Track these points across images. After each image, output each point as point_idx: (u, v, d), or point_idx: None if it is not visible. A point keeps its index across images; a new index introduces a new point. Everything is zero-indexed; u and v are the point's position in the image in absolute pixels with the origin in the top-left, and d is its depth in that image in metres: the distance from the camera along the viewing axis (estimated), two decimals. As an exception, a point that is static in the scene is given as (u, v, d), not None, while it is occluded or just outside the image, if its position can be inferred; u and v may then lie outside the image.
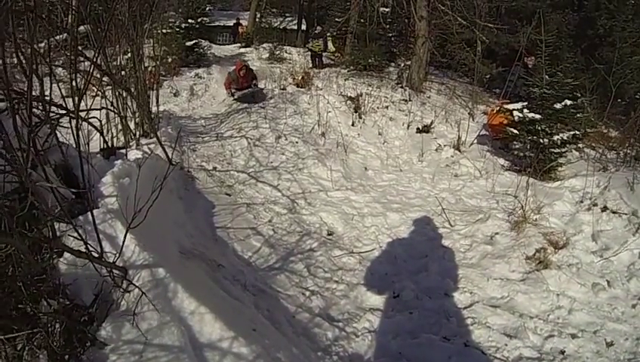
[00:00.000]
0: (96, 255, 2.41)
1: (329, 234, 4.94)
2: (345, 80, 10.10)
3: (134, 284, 2.45)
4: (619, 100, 9.51)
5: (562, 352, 3.29)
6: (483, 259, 4.43)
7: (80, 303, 2.35)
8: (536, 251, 4.38)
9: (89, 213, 2.59)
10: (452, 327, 3.48)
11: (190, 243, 3.74)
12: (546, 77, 6.80)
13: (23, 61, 2.56)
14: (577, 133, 6.59)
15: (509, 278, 4.11)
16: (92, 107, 3.87)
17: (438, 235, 4.87)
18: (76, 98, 2.70)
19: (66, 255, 2.45)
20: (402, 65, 10.91)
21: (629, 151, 6.82)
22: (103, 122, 4.28)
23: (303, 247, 4.57)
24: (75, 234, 2.38)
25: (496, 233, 4.82)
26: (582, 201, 5.08)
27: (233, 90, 9.70)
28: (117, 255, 2.53)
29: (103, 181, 3.21)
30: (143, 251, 2.66)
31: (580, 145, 7.42)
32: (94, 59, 3.35)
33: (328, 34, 12.86)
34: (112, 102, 4.72)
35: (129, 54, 5.32)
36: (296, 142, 7.07)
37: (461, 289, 3.97)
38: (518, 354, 3.25)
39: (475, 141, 7.44)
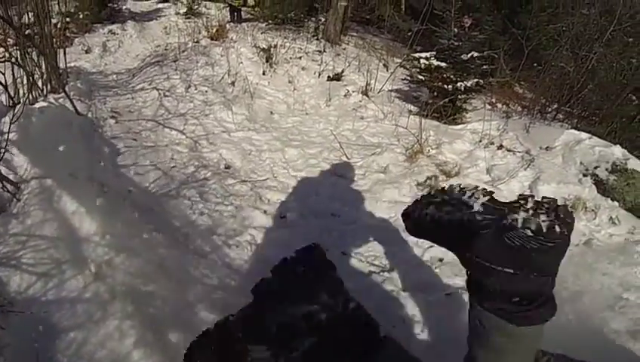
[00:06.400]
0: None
1: (226, 168, 4.90)
2: (262, 33, 9.95)
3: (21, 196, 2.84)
4: (534, 65, 9.97)
5: (440, 260, 3.39)
6: (375, 186, 4.52)
7: None
8: (428, 178, 4.52)
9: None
10: (332, 240, 3.52)
11: (88, 175, 3.68)
12: (455, 30, 7.04)
13: None
14: (481, 81, 6.87)
15: (398, 201, 4.21)
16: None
17: (333, 166, 4.94)
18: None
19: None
20: (322, 20, 10.86)
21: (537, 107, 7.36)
22: (9, 82, 4.23)
23: (197, 177, 4.55)
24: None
25: (391, 164, 4.93)
26: (480, 141, 5.33)
27: None
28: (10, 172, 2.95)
29: (3, 121, 3.42)
30: (34, 168, 3.04)
31: (493, 100, 7.78)
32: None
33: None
34: (16, 58, 4.51)
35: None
36: (206, 91, 6.96)
37: (348, 211, 4.05)
38: (396, 261, 3.33)
39: (386, 89, 7.55)
